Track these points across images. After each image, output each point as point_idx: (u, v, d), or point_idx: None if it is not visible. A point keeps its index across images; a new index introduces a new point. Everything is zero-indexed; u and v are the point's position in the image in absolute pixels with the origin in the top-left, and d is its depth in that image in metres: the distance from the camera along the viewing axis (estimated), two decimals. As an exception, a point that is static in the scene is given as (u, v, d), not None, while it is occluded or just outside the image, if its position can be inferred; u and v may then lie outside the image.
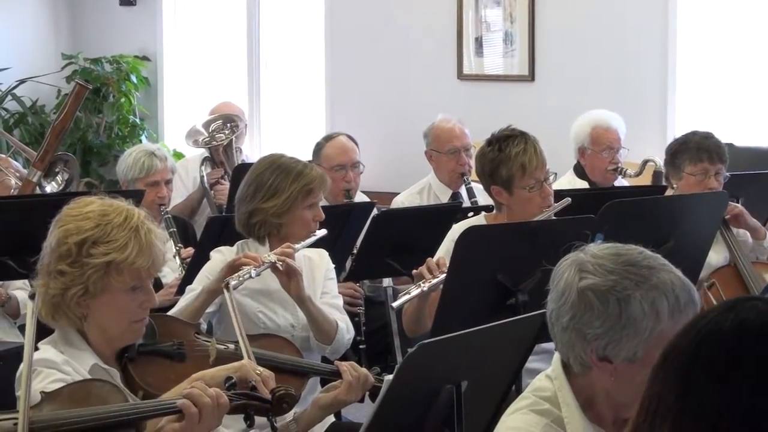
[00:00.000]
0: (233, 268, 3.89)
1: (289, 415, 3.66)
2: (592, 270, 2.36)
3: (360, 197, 6.13)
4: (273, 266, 3.94)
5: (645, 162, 6.22)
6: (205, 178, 6.71)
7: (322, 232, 4.21)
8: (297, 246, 4.05)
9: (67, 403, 2.70)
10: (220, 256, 4.17)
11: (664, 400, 1.49)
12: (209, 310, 4.00)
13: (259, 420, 2.93)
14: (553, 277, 2.44)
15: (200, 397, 2.71)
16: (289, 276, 3.97)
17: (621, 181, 6.15)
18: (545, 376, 2.50)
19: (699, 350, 1.49)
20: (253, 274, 3.86)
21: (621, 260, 2.36)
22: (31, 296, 2.82)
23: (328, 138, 6.10)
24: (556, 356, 2.47)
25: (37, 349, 3.02)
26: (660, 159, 5.81)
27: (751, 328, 1.47)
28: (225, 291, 3.55)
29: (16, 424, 2.55)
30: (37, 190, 5.26)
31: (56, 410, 2.66)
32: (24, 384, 2.56)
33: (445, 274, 3.95)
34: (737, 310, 1.50)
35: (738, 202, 5.21)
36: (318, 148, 6.03)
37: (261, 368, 3.01)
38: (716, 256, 5.15)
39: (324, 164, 5.84)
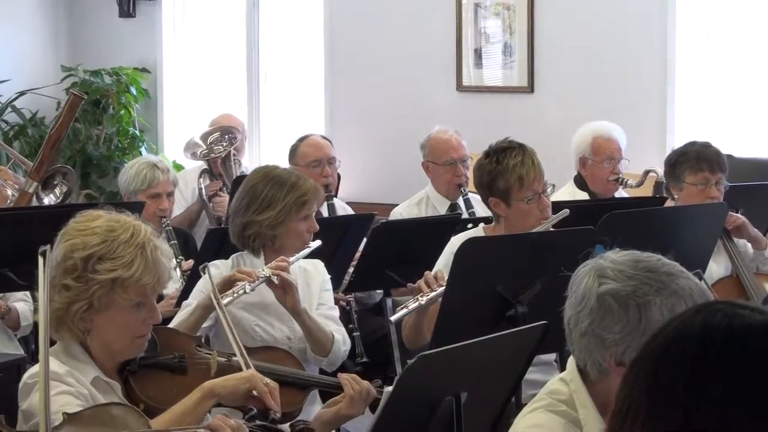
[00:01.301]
0: (228, 284, 3.89)
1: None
2: (612, 276, 2.38)
3: (342, 207, 6.17)
4: (268, 280, 3.94)
5: (646, 172, 6.23)
6: (204, 190, 6.73)
7: (316, 244, 4.20)
8: (291, 258, 4.05)
9: (89, 426, 2.68)
10: (215, 270, 4.15)
11: (635, 402, 1.51)
12: (205, 324, 3.98)
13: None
14: (572, 284, 2.46)
15: (221, 429, 2.71)
16: (285, 289, 3.97)
17: (621, 192, 6.16)
18: (559, 380, 2.51)
19: (667, 352, 1.51)
20: (247, 290, 3.86)
21: (640, 266, 2.39)
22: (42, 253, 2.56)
23: (302, 138, 6.26)
24: (571, 360, 2.49)
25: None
26: (661, 170, 5.82)
27: (716, 331, 1.49)
28: (217, 308, 3.52)
29: None
30: (34, 201, 5.25)
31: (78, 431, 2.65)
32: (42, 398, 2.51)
33: (443, 288, 3.96)
34: (704, 313, 1.52)
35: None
36: (293, 149, 6.17)
37: (267, 379, 3.04)
38: (718, 266, 5.16)
39: (300, 162, 6.00)
